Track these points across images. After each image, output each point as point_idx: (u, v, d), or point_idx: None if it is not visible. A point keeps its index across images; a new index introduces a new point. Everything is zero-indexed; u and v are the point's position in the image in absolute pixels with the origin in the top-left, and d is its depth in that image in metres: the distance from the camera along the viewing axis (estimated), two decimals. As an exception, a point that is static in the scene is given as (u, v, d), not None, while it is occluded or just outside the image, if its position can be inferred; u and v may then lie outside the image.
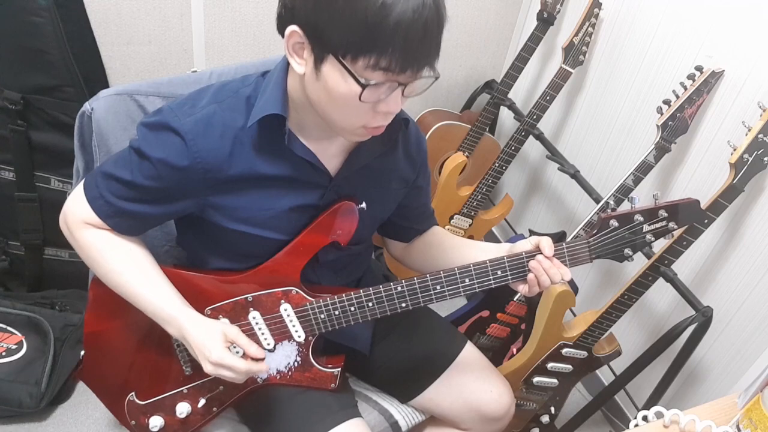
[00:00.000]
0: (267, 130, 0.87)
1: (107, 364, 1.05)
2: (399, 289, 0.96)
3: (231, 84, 0.92)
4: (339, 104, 0.79)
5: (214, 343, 0.89)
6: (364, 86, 0.75)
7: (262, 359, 0.93)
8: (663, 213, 0.91)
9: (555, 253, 0.93)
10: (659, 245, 1.30)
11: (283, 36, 0.79)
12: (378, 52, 0.73)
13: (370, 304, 0.97)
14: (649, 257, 1.37)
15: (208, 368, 0.89)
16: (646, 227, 0.92)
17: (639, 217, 0.91)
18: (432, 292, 0.96)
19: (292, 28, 0.76)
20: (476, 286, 0.95)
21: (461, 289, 0.95)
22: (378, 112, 0.81)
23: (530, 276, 0.93)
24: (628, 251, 0.93)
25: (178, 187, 0.89)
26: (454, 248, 1.09)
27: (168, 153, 0.86)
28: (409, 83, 0.79)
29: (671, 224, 0.92)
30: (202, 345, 0.89)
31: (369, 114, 0.81)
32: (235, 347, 0.93)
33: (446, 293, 0.95)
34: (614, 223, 0.91)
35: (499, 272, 0.94)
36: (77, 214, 0.93)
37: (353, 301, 0.97)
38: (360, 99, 0.76)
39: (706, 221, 1.21)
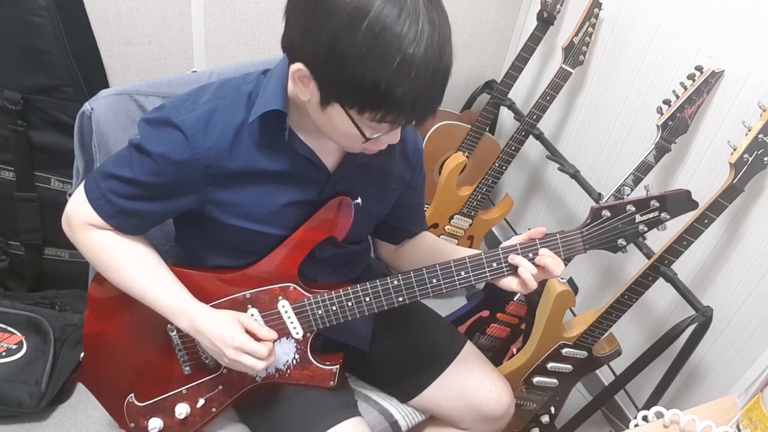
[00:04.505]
0: (267, 126, 0.88)
1: (107, 365, 1.05)
2: (395, 283, 0.96)
3: (232, 81, 0.92)
4: (341, 134, 0.83)
5: (234, 330, 0.91)
6: (368, 138, 0.81)
7: (275, 341, 0.95)
8: (654, 203, 0.91)
9: (549, 244, 0.93)
10: (659, 245, 1.30)
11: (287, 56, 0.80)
12: (385, 111, 0.75)
13: (367, 298, 0.97)
14: (649, 257, 1.37)
15: (230, 354, 0.90)
16: (638, 218, 0.92)
17: (631, 208, 0.92)
18: (428, 285, 0.96)
19: (299, 65, 0.77)
20: (472, 278, 0.95)
21: (457, 283, 0.95)
22: (378, 142, 0.85)
23: (516, 259, 0.92)
24: (621, 242, 0.94)
25: (178, 183, 0.89)
26: (444, 253, 1.08)
27: (169, 148, 0.86)
28: None
29: (663, 215, 0.92)
30: (220, 333, 0.90)
31: (369, 143, 0.84)
32: None
33: (442, 287, 0.95)
34: (606, 213, 0.92)
35: (494, 264, 0.94)
36: (80, 216, 0.93)
37: (350, 297, 0.97)
38: (362, 142, 0.82)
39: (706, 221, 1.21)
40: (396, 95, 0.72)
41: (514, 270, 0.94)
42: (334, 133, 0.84)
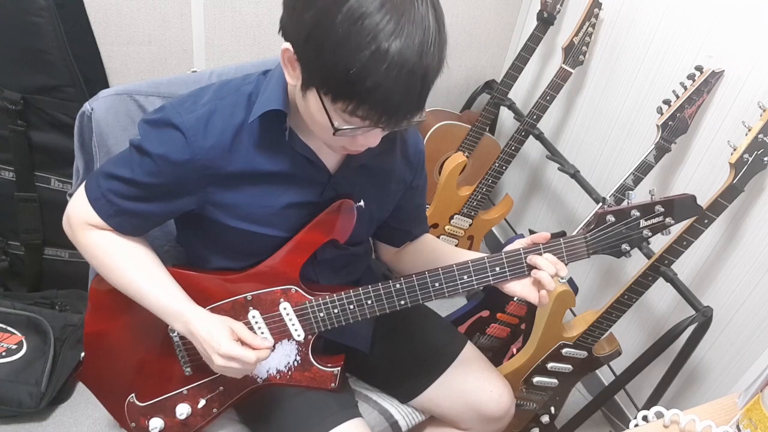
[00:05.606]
0: (268, 126, 0.88)
1: (107, 364, 1.05)
2: (398, 286, 0.96)
3: (232, 82, 0.92)
4: (316, 124, 0.81)
5: (223, 336, 0.90)
6: (336, 129, 0.77)
7: (266, 349, 0.93)
8: (659, 208, 0.91)
9: (552, 249, 0.93)
10: (659, 245, 1.30)
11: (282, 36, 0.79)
12: (356, 103, 0.73)
13: (369, 301, 0.97)
14: (649, 257, 1.37)
15: (218, 361, 0.89)
16: (642, 222, 0.92)
17: (635, 213, 0.91)
18: (431, 289, 0.96)
19: (287, 45, 0.76)
20: (474, 282, 0.95)
21: (459, 287, 0.95)
22: (355, 142, 0.82)
23: (534, 258, 0.92)
24: (625, 246, 0.94)
25: (178, 183, 0.89)
26: (445, 256, 1.08)
27: (168, 149, 0.86)
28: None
29: (668, 219, 0.92)
30: (210, 338, 0.90)
31: (347, 141, 0.82)
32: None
33: (445, 290, 0.95)
34: (611, 218, 0.91)
35: (497, 269, 0.94)
36: (80, 216, 0.93)
37: (352, 299, 0.97)
38: (333, 134, 0.78)
39: (706, 221, 1.21)
40: (366, 86, 0.70)
41: (517, 275, 0.94)
42: (311, 122, 0.82)
